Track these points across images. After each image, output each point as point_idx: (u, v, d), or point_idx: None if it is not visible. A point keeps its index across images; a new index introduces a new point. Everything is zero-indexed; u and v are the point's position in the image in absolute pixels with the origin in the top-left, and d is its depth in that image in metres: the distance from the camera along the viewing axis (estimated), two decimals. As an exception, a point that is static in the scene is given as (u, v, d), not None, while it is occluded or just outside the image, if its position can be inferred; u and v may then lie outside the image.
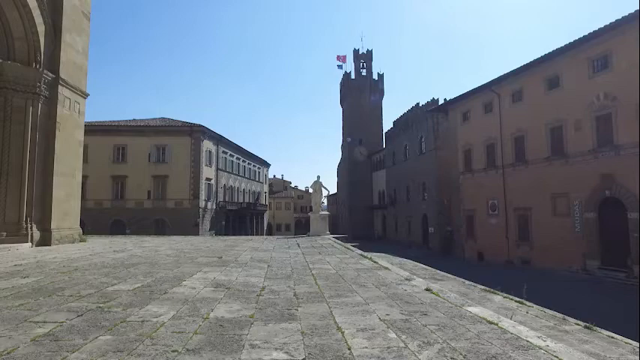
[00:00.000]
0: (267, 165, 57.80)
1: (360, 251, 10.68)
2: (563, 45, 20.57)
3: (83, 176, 33.45)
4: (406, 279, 6.23)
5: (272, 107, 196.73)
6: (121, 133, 34.90)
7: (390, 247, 37.69)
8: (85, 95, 12.42)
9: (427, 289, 5.32)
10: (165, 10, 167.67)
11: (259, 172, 53.89)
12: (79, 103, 12.05)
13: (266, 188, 58.26)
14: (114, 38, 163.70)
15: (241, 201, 44.94)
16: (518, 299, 10.24)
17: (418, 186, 39.23)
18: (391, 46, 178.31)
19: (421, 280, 6.35)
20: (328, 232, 19.66)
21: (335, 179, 66.58)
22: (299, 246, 12.56)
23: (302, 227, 62.04)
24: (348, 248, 11.62)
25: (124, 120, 36.95)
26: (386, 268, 7.40)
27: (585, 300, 13.76)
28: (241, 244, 12.92)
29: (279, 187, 73.86)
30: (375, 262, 8.40)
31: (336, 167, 64.67)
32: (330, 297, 4.92)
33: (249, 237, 21.08)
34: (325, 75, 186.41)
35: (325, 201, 79.42)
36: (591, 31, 18.92)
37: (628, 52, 17.49)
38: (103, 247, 11.23)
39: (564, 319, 8.34)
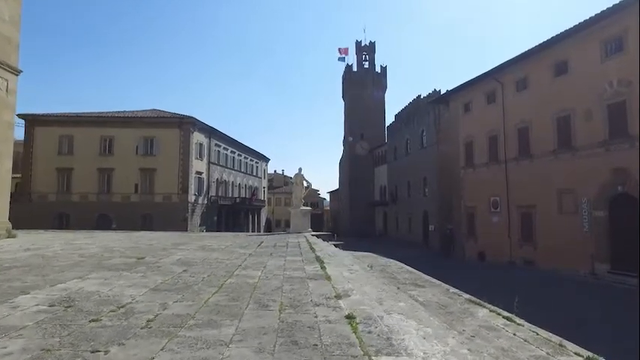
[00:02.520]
0: (266, 160, 56.27)
1: (320, 253, 9.05)
2: (572, 26, 18.59)
3: (68, 169, 33.06)
4: (336, 296, 4.59)
5: (273, 102, 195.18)
6: (109, 124, 33.65)
7: (387, 246, 35.99)
8: (16, 72, 10.92)
9: (348, 317, 3.68)
10: (166, 6, 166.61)
11: (257, 167, 52.39)
12: (6, 80, 10.57)
13: (265, 183, 56.77)
14: (113, 31, 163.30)
15: (237, 196, 43.52)
16: (507, 314, 8.45)
17: (419, 182, 37.45)
18: (396, 37, 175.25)
19: (359, 297, 4.69)
20: (310, 229, 18.07)
21: (337, 175, 64.87)
22: (259, 245, 10.98)
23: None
24: (312, 248, 10.01)
25: (111, 111, 35.66)
26: (327, 279, 5.77)
27: (592, 310, 11.91)
28: (194, 242, 11.40)
29: (280, 182, 72.30)
30: (322, 267, 6.77)
31: (338, 162, 62.98)
32: (194, 326, 3.32)
33: (220, 234, 19.60)
34: (328, 69, 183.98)
35: (328, 197, 77.73)
36: (604, 9, 16.96)
37: (646, 30, 15.50)
38: (24, 243, 9.78)
39: (561, 346, 6.54)
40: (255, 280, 5.56)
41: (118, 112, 35.59)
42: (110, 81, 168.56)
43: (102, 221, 32.22)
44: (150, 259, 7.64)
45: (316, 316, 3.69)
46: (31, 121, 32.52)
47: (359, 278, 7.17)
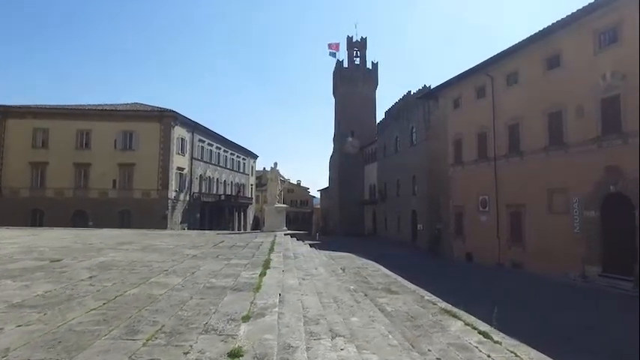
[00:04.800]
0: (253, 156, 54.99)
1: (275, 255, 7.96)
2: (565, 16, 17.64)
3: (42, 163, 31.70)
4: (245, 317, 3.51)
5: (264, 99, 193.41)
6: (86, 117, 32.22)
7: (374, 245, 34.99)
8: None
9: (234, 354, 2.60)
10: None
11: (244, 164, 51.13)
12: None
13: (252, 180, 55.51)
14: (94, 21, 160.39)
15: (221, 193, 42.28)
16: (484, 327, 7.36)
17: (408, 180, 36.44)
18: (389, 33, 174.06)
19: (276, 318, 3.60)
20: (285, 228, 16.99)
21: (327, 173, 63.78)
22: (215, 245, 9.88)
23: (290, 222, 59.50)
24: (271, 249, 8.92)
25: (89, 104, 34.28)
26: (255, 289, 4.69)
27: (582, 318, 10.90)
28: (144, 241, 10.27)
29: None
30: (262, 273, 5.68)
31: (329, 160, 61.92)
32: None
33: (188, 232, 18.45)
34: (320, 64, 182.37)
35: (318, 195, 76.56)
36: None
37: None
38: None
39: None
40: (163, 291, 4.47)
41: (96, 104, 34.21)
42: (91, 74, 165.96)
43: (78, 218, 30.89)
44: (67, 261, 6.52)
45: (188, 353, 2.61)
46: (3, 112, 31.11)
47: (308, 287, 6.10)
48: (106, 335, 2.92)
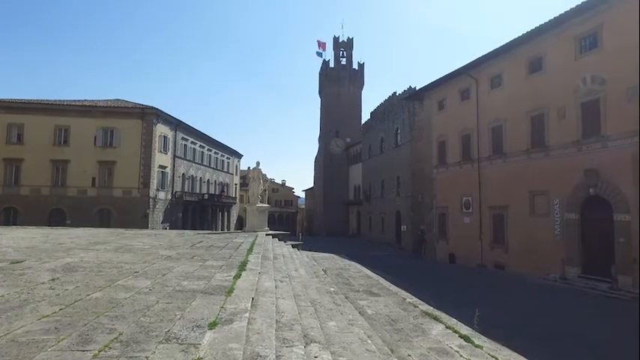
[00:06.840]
0: (238, 155, 54.38)
1: (253, 257, 7.71)
2: (547, 21, 17.86)
3: (17, 159, 30.62)
4: (212, 323, 3.27)
5: (251, 98, 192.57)
6: (64, 113, 31.24)
7: (359, 246, 35.02)
8: None
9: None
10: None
11: (228, 163, 50.53)
12: None
13: (237, 180, 54.91)
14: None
15: (205, 192, 41.65)
16: (465, 331, 7.25)
17: (393, 181, 36.54)
18: (376, 34, 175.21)
19: (244, 324, 3.38)
20: (267, 228, 16.71)
21: (313, 173, 63.60)
22: (193, 245, 9.56)
23: (275, 222, 59.18)
24: (250, 250, 8.67)
25: (68, 99, 33.27)
26: (228, 292, 4.44)
27: (562, 320, 10.95)
28: (118, 241, 9.87)
29: (255, 179, 70.32)
30: (237, 275, 5.44)
31: (314, 160, 61.76)
32: None
33: (167, 232, 18.02)
34: (307, 64, 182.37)
35: (303, 195, 76.26)
36: (580, 3, 16.22)
37: (620, 26, 14.86)
38: None
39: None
40: (128, 295, 4.20)
41: (75, 100, 33.23)
42: (73, 69, 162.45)
43: (55, 217, 29.97)
44: (29, 262, 6.15)
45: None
46: (-25, 106, 29.97)
47: (285, 289, 5.88)
48: (53, 346, 2.65)
